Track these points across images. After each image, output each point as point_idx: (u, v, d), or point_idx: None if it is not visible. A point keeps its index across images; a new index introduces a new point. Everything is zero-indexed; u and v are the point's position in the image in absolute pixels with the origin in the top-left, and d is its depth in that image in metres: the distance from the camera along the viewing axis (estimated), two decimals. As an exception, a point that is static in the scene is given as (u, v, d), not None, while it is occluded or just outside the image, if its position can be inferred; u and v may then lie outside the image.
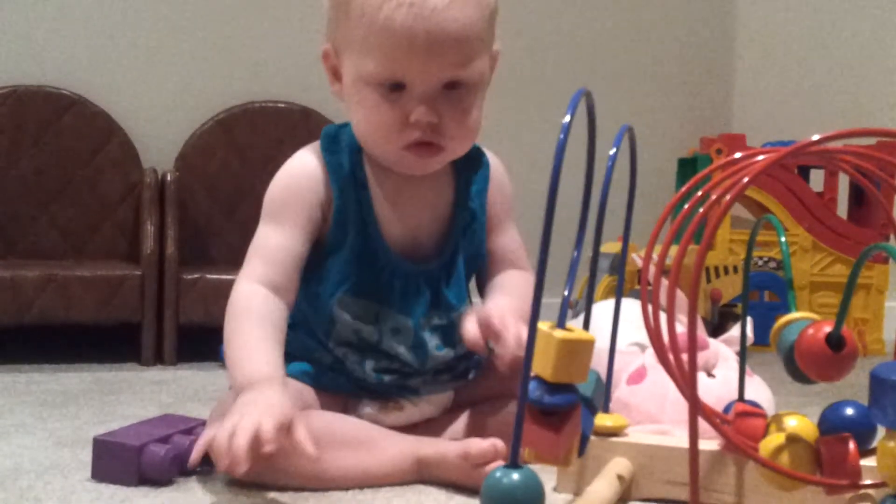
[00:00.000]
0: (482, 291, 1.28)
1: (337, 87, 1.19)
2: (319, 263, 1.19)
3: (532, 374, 0.75)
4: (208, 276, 2.15)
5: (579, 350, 0.76)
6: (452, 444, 1.11)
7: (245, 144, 2.46)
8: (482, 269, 1.28)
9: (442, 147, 1.14)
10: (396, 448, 1.12)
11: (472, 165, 1.24)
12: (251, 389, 1.03)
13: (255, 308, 1.12)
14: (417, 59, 1.08)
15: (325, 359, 1.22)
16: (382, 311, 1.20)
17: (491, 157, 1.28)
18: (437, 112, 1.11)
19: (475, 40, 1.11)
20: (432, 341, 1.22)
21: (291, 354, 1.18)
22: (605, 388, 1.02)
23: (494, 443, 1.08)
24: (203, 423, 1.19)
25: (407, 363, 1.21)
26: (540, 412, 0.76)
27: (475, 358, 1.26)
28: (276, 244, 1.16)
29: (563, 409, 0.76)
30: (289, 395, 1.05)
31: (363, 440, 1.12)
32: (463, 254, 1.23)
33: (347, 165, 1.18)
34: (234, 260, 2.35)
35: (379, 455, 1.11)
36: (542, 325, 0.75)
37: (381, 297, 1.19)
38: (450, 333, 1.22)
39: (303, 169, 1.19)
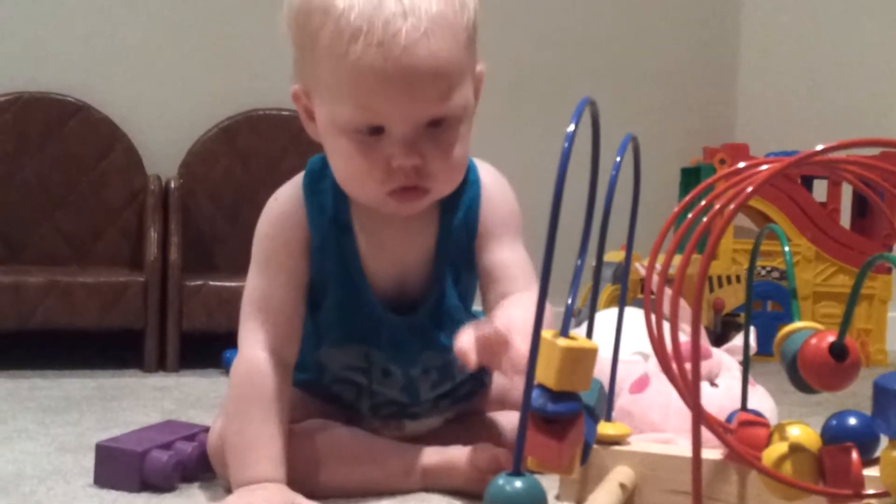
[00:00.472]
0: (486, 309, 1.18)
1: (312, 127, 1.10)
2: (310, 312, 1.15)
3: (535, 382, 0.75)
4: (211, 282, 2.15)
5: (583, 358, 0.76)
6: (458, 452, 1.11)
7: (248, 152, 2.47)
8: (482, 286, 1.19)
9: (427, 189, 1.06)
10: (400, 459, 1.12)
11: (457, 192, 1.14)
12: (250, 486, 1.03)
13: (258, 386, 1.07)
14: (394, 101, 0.99)
15: (323, 388, 1.21)
16: (372, 354, 1.16)
17: (485, 172, 1.18)
18: (419, 153, 1.02)
19: (454, 71, 1.01)
20: (426, 384, 1.19)
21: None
22: (607, 396, 1.02)
23: (498, 454, 1.08)
24: (206, 430, 1.19)
25: (402, 402, 1.20)
26: (543, 420, 0.76)
27: (478, 378, 1.25)
28: (272, 299, 1.11)
29: (567, 417, 0.76)
30: (289, 495, 1.03)
31: (367, 451, 1.12)
32: (452, 294, 1.17)
33: (330, 207, 1.12)
34: (238, 267, 2.37)
35: (383, 466, 1.11)
36: (546, 334, 0.75)
37: (370, 342, 1.16)
38: (446, 371, 1.19)
39: (284, 214, 1.13)
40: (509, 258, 1.14)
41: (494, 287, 1.13)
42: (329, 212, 1.12)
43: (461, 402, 1.25)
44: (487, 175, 1.18)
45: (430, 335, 1.16)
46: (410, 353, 1.17)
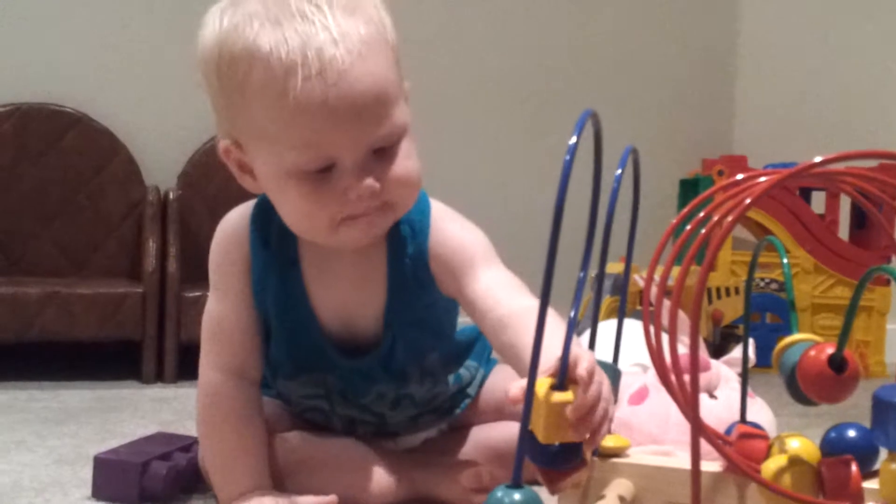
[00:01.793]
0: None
1: (248, 181, 1.05)
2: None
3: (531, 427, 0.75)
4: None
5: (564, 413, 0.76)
6: (443, 466, 1.11)
7: (248, 163, 2.46)
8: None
9: (391, 205, 1.02)
10: (385, 468, 1.11)
11: (403, 230, 1.09)
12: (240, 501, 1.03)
13: (222, 406, 1.07)
14: (341, 129, 0.95)
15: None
16: (329, 380, 1.14)
17: (435, 207, 1.12)
18: (374, 176, 0.98)
19: (391, 91, 0.98)
20: (384, 408, 1.16)
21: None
22: (618, 380, 1.00)
23: (481, 471, 1.08)
24: (196, 441, 1.18)
25: (373, 422, 1.18)
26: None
27: (464, 391, 1.24)
28: (223, 321, 1.10)
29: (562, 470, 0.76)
30: (282, 499, 1.04)
31: (351, 461, 1.11)
32: (408, 337, 1.12)
33: (275, 242, 1.09)
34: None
35: (368, 475, 1.11)
36: (539, 384, 0.74)
37: (322, 368, 1.13)
38: (411, 399, 1.16)
39: (229, 237, 1.12)
40: (489, 283, 1.07)
41: (488, 315, 1.04)
42: (273, 247, 1.09)
43: (446, 415, 1.23)
44: (435, 213, 1.12)
45: (380, 377, 1.13)
46: (360, 390, 1.14)
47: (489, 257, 1.09)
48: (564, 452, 0.76)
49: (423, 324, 1.13)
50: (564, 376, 0.75)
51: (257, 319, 1.11)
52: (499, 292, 1.04)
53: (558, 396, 0.74)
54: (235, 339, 1.10)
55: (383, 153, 0.99)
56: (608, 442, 1.04)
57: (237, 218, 1.13)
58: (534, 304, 0.89)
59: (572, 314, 0.80)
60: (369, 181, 0.97)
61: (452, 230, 1.10)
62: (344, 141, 0.96)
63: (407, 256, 1.09)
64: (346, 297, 1.10)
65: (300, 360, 1.13)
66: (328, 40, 0.94)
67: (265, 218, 1.10)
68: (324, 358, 1.12)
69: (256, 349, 1.11)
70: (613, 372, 0.92)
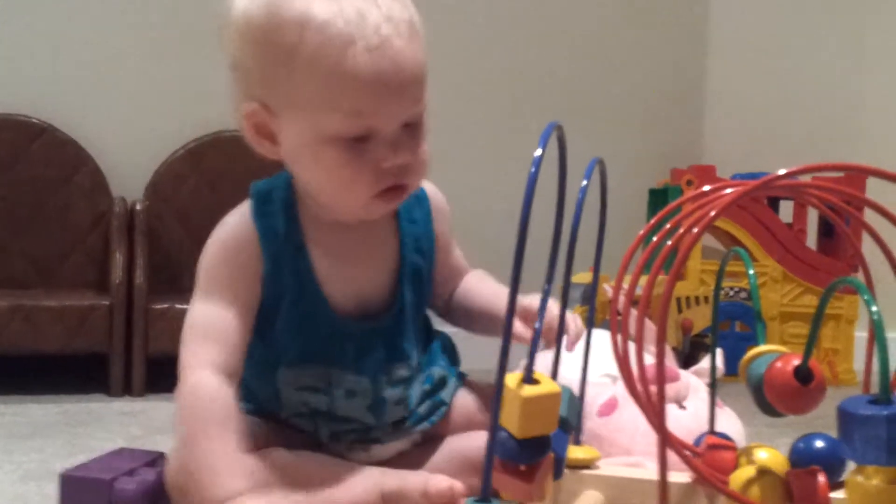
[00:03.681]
0: (447, 303, 1.27)
1: (267, 146, 1.10)
2: (261, 334, 1.13)
3: (501, 423, 0.75)
4: (178, 305, 2.13)
5: (545, 404, 0.76)
6: (414, 479, 1.10)
7: (216, 174, 2.45)
8: (439, 286, 1.24)
9: (407, 186, 1.09)
10: (361, 484, 1.10)
11: (410, 204, 1.18)
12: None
13: (211, 405, 1.04)
14: (388, 103, 1.02)
15: (278, 420, 1.20)
16: (335, 375, 1.14)
17: (428, 186, 1.22)
18: (406, 151, 1.05)
19: (425, 72, 1.06)
20: (393, 395, 1.17)
21: (249, 401, 1.17)
22: (579, 404, 1.01)
23: (453, 485, 1.07)
24: (162, 455, 1.17)
25: (363, 423, 1.18)
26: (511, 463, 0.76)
27: (438, 398, 1.24)
28: (219, 322, 1.09)
29: (535, 463, 0.76)
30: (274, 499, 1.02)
31: (327, 477, 1.11)
32: (413, 300, 1.18)
33: (283, 228, 1.11)
34: (205, 290, 2.36)
35: (344, 492, 1.10)
36: (510, 380, 0.75)
37: (331, 360, 1.14)
38: (410, 383, 1.18)
39: (234, 238, 1.11)
40: (458, 257, 1.27)
41: (453, 281, 1.26)
42: (281, 233, 1.11)
43: (421, 422, 1.23)
44: (429, 188, 1.23)
45: (394, 342, 1.16)
46: (377, 363, 1.15)
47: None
48: (537, 445, 0.76)
49: (423, 294, 1.20)
50: (535, 349, 0.75)
51: (249, 326, 1.10)
52: (462, 263, 1.27)
53: (531, 389, 0.74)
54: (230, 340, 1.08)
55: (412, 132, 1.06)
56: (578, 454, 1.04)
57: (237, 222, 1.13)
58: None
59: (537, 325, 0.80)
60: (402, 155, 1.04)
61: (444, 212, 1.23)
62: (385, 113, 1.02)
63: (416, 221, 1.18)
64: (356, 271, 1.14)
65: (309, 346, 1.13)
66: (381, 17, 1.00)
67: (267, 208, 1.12)
68: (333, 339, 1.13)
69: (241, 356, 1.10)
70: (570, 396, 0.92)
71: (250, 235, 1.11)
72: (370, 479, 1.12)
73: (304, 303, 1.12)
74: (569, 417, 0.89)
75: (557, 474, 0.88)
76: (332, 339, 1.14)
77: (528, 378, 0.75)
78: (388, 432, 1.19)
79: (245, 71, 1.07)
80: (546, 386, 0.76)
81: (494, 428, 0.72)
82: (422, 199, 1.20)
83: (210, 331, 1.09)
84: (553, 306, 1.05)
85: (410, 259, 1.17)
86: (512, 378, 0.75)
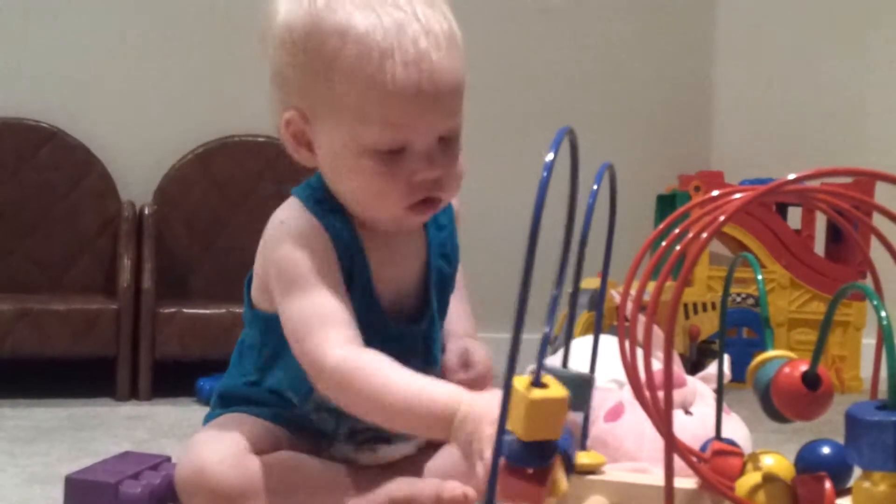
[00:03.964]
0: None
1: (304, 154, 1.09)
2: None
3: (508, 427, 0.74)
4: (185, 310, 2.13)
5: (552, 408, 0.75)
6: (426, 486, 1.10)
7: (224, 178, 2.46)
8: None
9: (440, 200, 1.08)
10: (370, 489, 1.10)
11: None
12: (461, 413, 0.93)
13: (371, 362, 1.01)
14: (423, 117, 1.02)
15: (297, 419, 1.19)
16: None
17: None
18: (439, 166, 1.05)
19: (463, 86, 1.06)
20: None
21: (261, 404, 1.17)
22: (589, 395, 0.99)
23: (467, 492, 1.07)
24: (167, 459, 1.17)
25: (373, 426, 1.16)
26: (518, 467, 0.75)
27: None
28: (328, 307, 1.05)
29: (542, 466, 0.76)
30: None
31: (335, 484, 1.10)
32: (438, 306, 1.18)
33: (343, 228, 1.10)
34: (212, 294, 2.36)
35: (351, 499, 1.10)
36: (518, 383, 0.74)
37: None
38: None
39: (309, 230, 1.09)
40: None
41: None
42: (341, 230, 1.10)
43: None
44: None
45: (428, 347, 1.17)
46: (416, 366, 1.13)
47: None
48: (543, 449, 0.75)
49: (447, 300, 1.20)
50: (544, 354, 0.75)
51: (351, 306, 1.08)
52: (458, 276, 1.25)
53: (538, 393, 0.74)
54: (346, 318, 1.05)
55: (446, 146, 1.06)
56: (584, 459, 1.04)
57: (299, 218, 1.10)
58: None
59: (546, 330, 0.79)
60: (435, 170, 1.04)
61: (457, 203, 1.21)
62: (422, 126, 1.02)
63: (443, 227, 1.18)
64: (399, 271, 1.14)
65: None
66: (420, 30, 1.00)
67: (323, 210, 1.10)
68: (384, 335, 1.10)
69: (357, 332, 1.06)
70: (583, 381, 0.92)
71: (320, 229, 1.09)
72: (377, 486, 1.11)
73: (359, 297, 1.10)
74: (577, 399, 0.88)
75: (569, 472, 0.87)
76: (379, 338, 1.10)
77: (537, 381, 0.75)
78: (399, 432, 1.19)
79: (285, 79, 1.07)
80: (554, 391, 0.75)
81: (501, 431, 0.72)
82: (448, 206, 1.19)
83: (325, 318, 1.05)
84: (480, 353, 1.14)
85: (437, 265, 1.18)
86: (520, 381, 0.75)
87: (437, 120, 1.03)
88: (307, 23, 1.03)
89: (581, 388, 0.91)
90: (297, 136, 1.09)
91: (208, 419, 1.18)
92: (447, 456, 1.22)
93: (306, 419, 1.19)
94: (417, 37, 1.00)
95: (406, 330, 1.14)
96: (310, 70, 1.04)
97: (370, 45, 0.99)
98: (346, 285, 1.10)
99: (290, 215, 1.11)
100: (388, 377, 0.99)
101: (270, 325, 1.12)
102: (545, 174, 0.70)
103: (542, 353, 0.76)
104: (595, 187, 0.91)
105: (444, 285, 1.19)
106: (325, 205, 1.11)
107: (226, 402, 1.18)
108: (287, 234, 1.09)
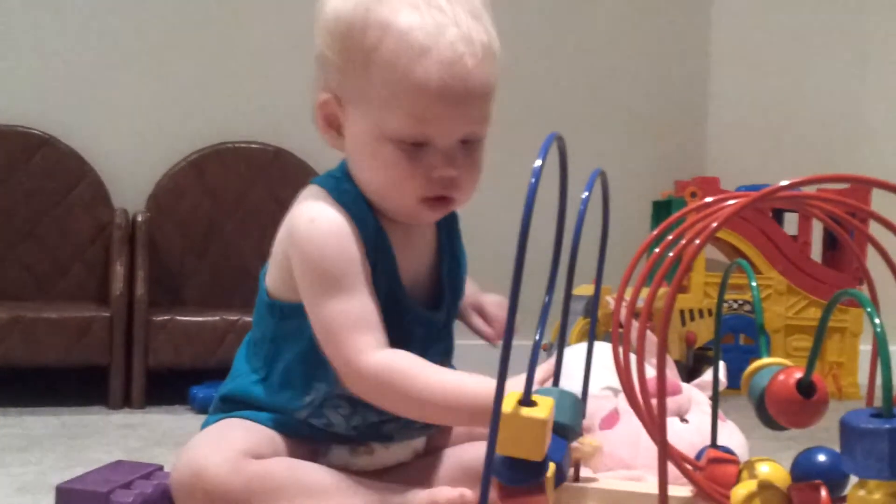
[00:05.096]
0: None
1: (331, 136, 1.14)
2: None
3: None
4: (178, 317, 2.12)
5: (528, 429, 0.74)
6: (420, 494, 1.09)
7: (217, 185, 2.45)
8: None
9: (454, 199, 1.13)
10: (363, 498, 1.10)
11: None
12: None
13: (405, 360, 1.07)
14: (448, 116, 1.06)
15: (301, 415, 1.19)
16: None
17: None
18: (457, 166, 1.09)
19: (492, 96, 1.11)
20: None
21: (260, 409, 1.16)
22: (583, 411, 0.99)
23: (463, 493, 1.06)
24: (160, 468, 1.16)
25: (375, 422, 1.18)
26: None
27: None
28: (361, 309, 1.09)
29: (528, 484, 0.75)
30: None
31: (330, 489, 1.10)
32: (450, 299, 1.22)
33: (367, 217, 1.13)
34: (205, 302, 2.35)
35: (349, 500, 1.09)
36: (509, 397, 0.74)
37: (398, 345, 1.13)
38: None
39: (339, 226, 1.11)
40: None
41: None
42: (368, 220, 1.13)
43: (425, 428, 1.22)
44: None
45: (448, 335, 1.22)
46: (435, 356, 1.15)
47: None
48: (527, 468, 0.75)
49: (459, 295, 1.25)
50: (535, 361, 0.74)
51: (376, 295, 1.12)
52: None
53: (527, 411, 0.73)
54: (377, 322, 1.09)
55: (468, 149, 1.11)
56: (585, 440, 1.02)
57: (328, 212, 1.12)
58: None
59: (537, 337, 0.79)
60: (452, 169, 1.09)
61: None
62: (444, 124, 1.07)
63: (450, 221, 1.23)
64: (415, 263, 1.18)
65: (390, 332, 1.12)
66: (459, 36, 1.05)
67: (348, 201, 1.13)
68: (409, 322, 1.15)
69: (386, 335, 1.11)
70: (574, 402, 0.91)
71: (350, 223, 1.12)
72: (373, 492, 1.11)
73: (386, 290, 1.13)
74: (573, 425, 0.88)
75: (558, 482, 0.87)
76: (406, 328, 1.14)
77: (527, 400, 0.74)
78: (401, 427, 1.18)
79: (326, 62, 1.12)
80: (537, 411, 0.74)
81: (492, 442, 0.71)
82: None
83: (360, 322, 1.08)
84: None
85: (448, 263, 1.22)
86: (510, 396, 0.74)
87: (461, 122, 1.08)
88: (355, 13, 1.07)
89: (574, 413, 0.90)
90: (328, 118, 1.13)
91: (207, 423, 1.17)
92: (441, 462, 1.21)
93: (304, 424, 1.18)
94: (455, 41, 1.05)
95: (429, 315, 1.18)
96: (349, 58, 1.08)
97: (410, 41, 1.04)
98: (371, 270, 1.12)
99: (320, 211, 1.12)
100: (428, 378, 1.06)
101: (287, 313, 1.15)
102: (533, 180, 0.70)
103: (532, 363, 0.76)
104: (586, 194, 0.91)
105: (456, 284, 1.23)
106: (350, 195, 1.14)
107: (227, 406, 1.18)
108: (319, 232, 1.11)
